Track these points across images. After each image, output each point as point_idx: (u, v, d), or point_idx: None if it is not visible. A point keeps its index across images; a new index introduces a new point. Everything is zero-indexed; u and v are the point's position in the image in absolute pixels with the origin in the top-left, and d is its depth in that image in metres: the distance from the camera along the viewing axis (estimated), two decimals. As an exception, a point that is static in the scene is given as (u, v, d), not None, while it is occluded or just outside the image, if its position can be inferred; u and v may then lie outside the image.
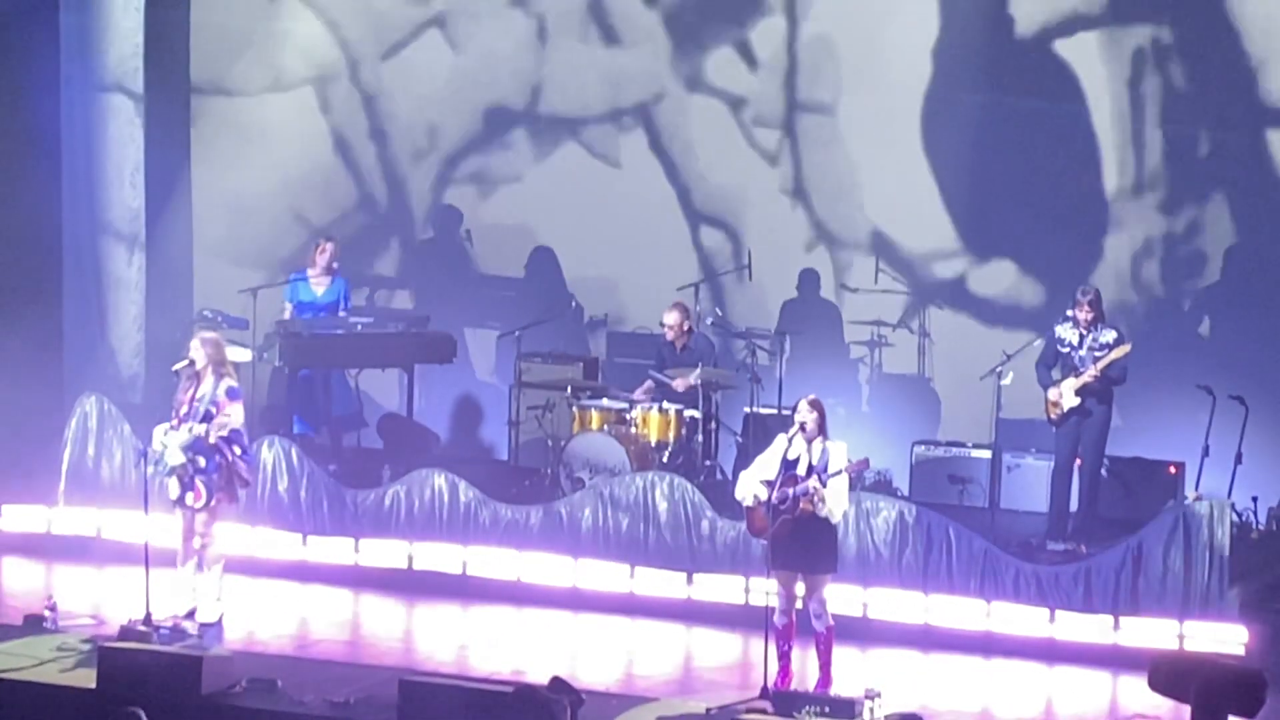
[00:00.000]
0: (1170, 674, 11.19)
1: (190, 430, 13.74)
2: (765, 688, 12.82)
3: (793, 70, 17.62)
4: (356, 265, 18.32)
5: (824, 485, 12.65)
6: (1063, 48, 16.94)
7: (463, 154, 18.47)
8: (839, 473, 12.72)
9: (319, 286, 17.11)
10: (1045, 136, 16.99)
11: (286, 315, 16.99)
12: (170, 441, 13.74)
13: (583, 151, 18.16)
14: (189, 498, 13.86)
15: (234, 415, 13.82)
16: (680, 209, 18.00)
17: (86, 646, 13.34)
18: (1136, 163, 16.88)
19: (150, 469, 13.89)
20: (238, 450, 13.84)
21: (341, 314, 17.04)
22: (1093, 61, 16.89)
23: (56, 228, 17.54)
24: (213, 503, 13.84)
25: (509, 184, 18.34)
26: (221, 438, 13.74)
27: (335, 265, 17.17)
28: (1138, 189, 16.91)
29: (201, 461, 13.76)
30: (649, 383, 16.37)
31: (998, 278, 17.24)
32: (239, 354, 16.18)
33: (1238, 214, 16.70)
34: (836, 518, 12.90)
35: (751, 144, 17.73)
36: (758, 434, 15.70)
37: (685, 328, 16.47)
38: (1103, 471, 15.74)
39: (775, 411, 16.01)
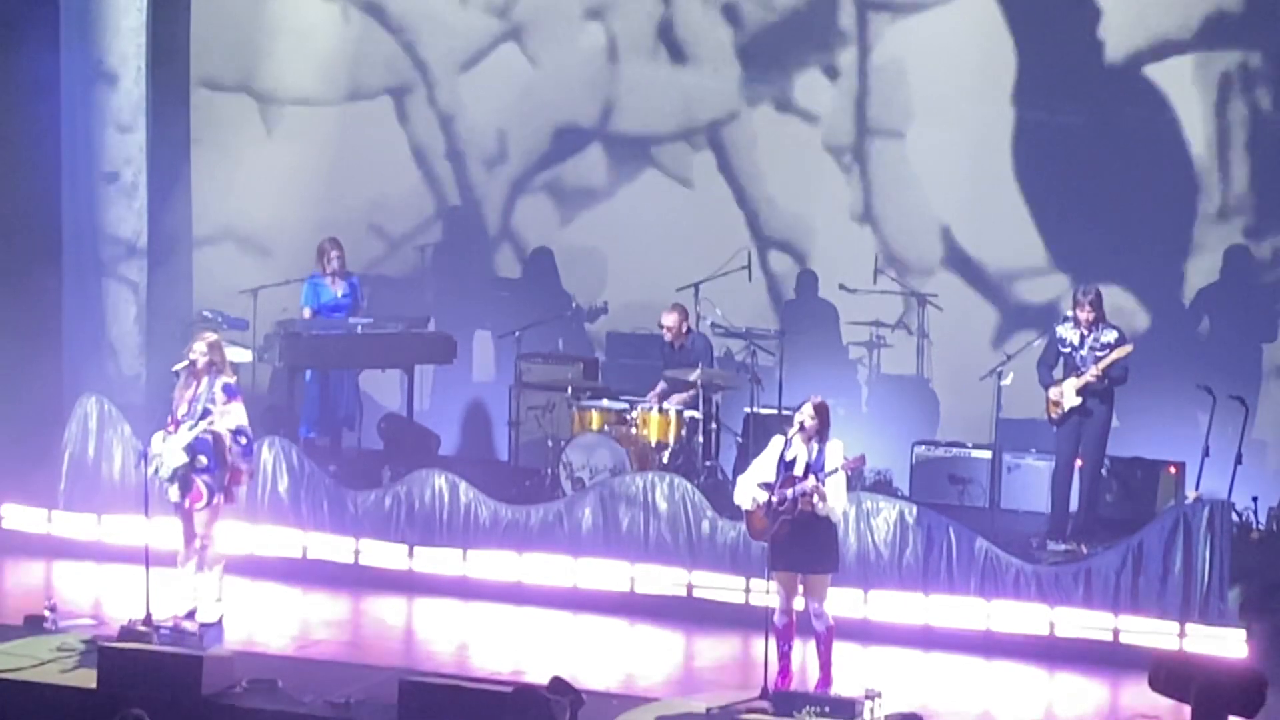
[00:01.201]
0: (1171, 674, 11.20)
1: (191, 430, 13.73)
2: (765, 688, 12.82)
3: (864, 94, 17.52)
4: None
5: (822, 484, 12.65)
6: (1152, 71, 16.87)
7: (535, 170, 18.41)
8: (836, 470, 12.72)
9: (337, 287, 17.12)
10: (1134, 159, 16.89)
11: (306, 316, 16.99)
12: (169, 445, 13.72)
13: (656, 171, 18.08)
14: (188, 499, 13.85)
15: (234, 412, 13.80)
16: (748, 231, 17.91)
17: (87, 647, 13.34)
18: (1223, 188, 16.81)
19: (150, 471, 13.88)
20: (241, 442, 13.82)
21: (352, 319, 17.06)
22: (1184, 85, 16.79)
23: (56, 229, 17.56)
24: (214, 502, 13.83)
25: (583, 203, 18.30)
26: (229, 430, 13.72)
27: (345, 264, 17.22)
28: (1223, 214, 16.85)
29: (203, 460, 13.74)
30: (661, 385, 16.41)
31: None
32: (239, 354, 16.18)
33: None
34: (836, 516, 12.91)
35: (821, 168, 17.63)
36: (758, 434, 15.69)
37: (684, 329, 16.50)
38: (1103, 472, 15.74)
39: (775, 412, 16.02)
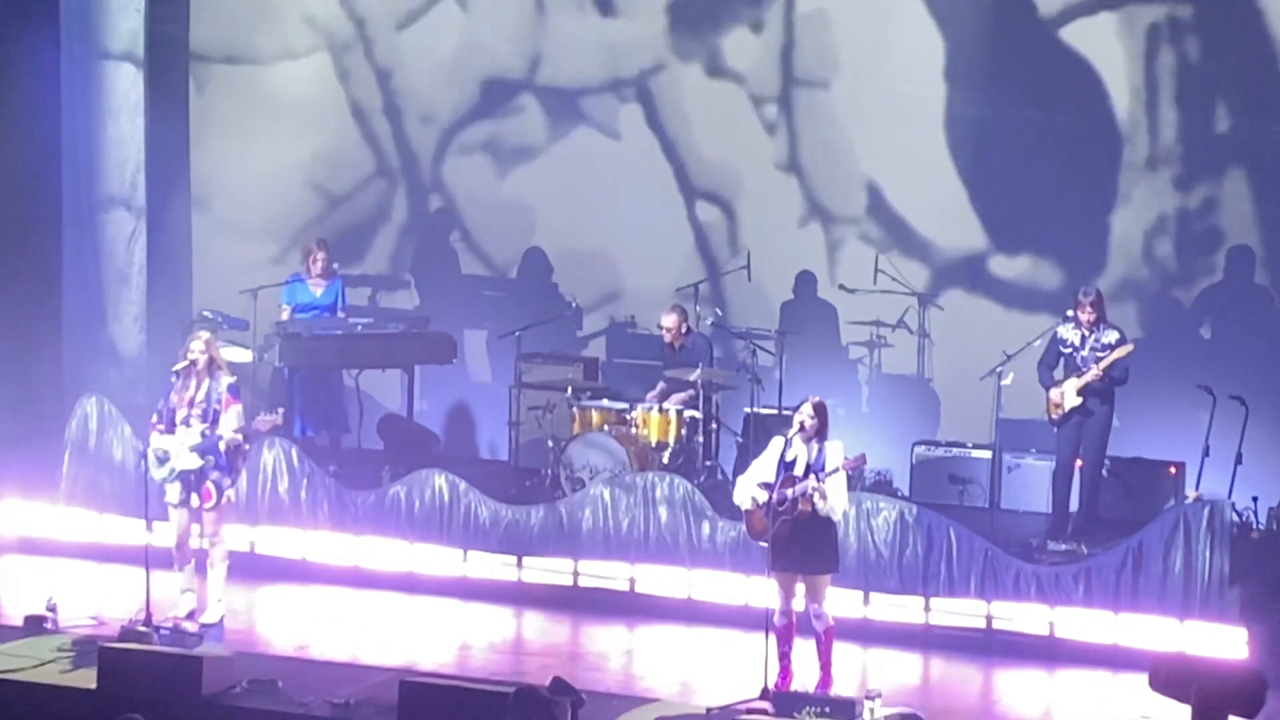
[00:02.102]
0: (1171, 674, 11.20)
1: (203, 434, 13.74)
2: (765, 688, 12.81)
3: (790, 45, 17.56)
4: (370, 239, 18.48)
5: (822, 483, 12.65)
6: (1079, 26, 16.85)
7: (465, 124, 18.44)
8: (836, 470, 12.72)
9: (317, 288, 17.13)
10: (1055, 113, 16.88)
11: (284, 317, 17.00)
12: (176, 446, 13.73)
13: (586, 126, 18.13)
14: (194, 499, 13.86)
15: (241, 413, 13.84)
16: (676, 185, 17.98)
17: (87, 647, 13.33)
18: (1150, 139, 16.79)
19: (165, 473, 13.88)
20: (247, 446, 13.86)
21: (340, 314, 17.05)
22: (1110, 38, 16.78)
23: (56, 230, 17.57)
24: (222, 502, 13.85)
25: (516, 158, 18.34)
26: (235, 432, 13.73)
27: (335, 266, 17.22)
28: (1151, 164, 16.83)
29: (211, 461, 13.77)
30: (661, 385, 16.41)
31: (1011, 259, 17.14)
32: (239, 354, 16.18)
33: (1258, 193, 16.59)
34: (837, 516, 12.91)
35: (748, 119, 17.67)
36: (758, 434, 15.70)
37: (683, 329, 16.50)
38: (1103, 472, 15.75)
39: (775, 412, 16.02)
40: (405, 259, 18.77)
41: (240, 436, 13.79)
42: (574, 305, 18.14)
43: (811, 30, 17.49)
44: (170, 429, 13.83)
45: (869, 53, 17.35)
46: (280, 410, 14.24)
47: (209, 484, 13.79)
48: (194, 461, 13.72)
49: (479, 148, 18.43)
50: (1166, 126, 16.77)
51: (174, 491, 13.87)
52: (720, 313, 17.40)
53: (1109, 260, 16.90)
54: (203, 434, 13.75)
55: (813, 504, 12.69)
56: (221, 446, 13.75)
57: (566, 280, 18.22)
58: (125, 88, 18.05)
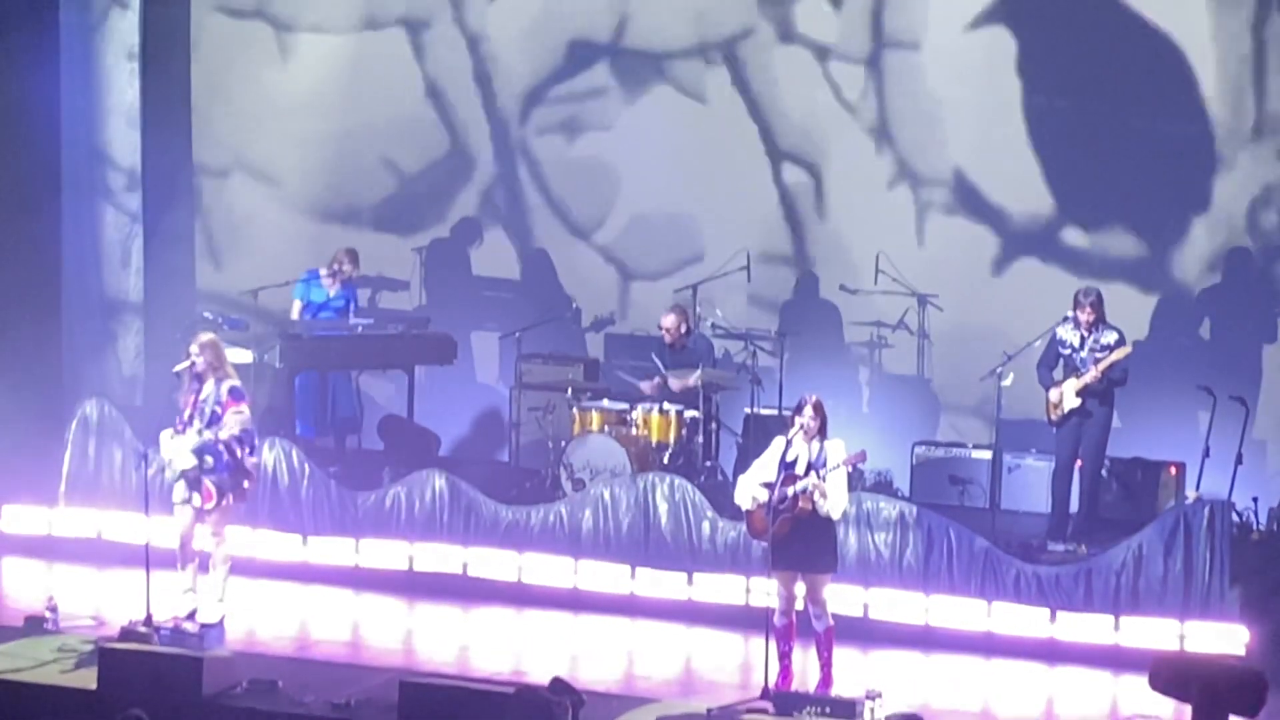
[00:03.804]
0: (1172, 674, 11.23)
1: (199, 434, 13.74)
2: (766, 688, 12.82)
3: (879, 7, 17.42)
4: (436, 208, 18.48)
5: (823, 480, 12.65)
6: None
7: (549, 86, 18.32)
8: (837, 467, 12.72)
9: (331, 288, 17.14)
10: (1149, 80, 16.79)
11: (295, 313, 17.02)
12: (177, 446, 13.75)
13: (669, 88, 17.99)
14: (195, 499, 13.86)
15: (244, 415, 13.82)
16: (762, 147, 17.81)
17: (87, 647, 13.34)
18: (1257, 108, 16.63)
19: (166, 471, 13.89)
20: (248, 448, 13.84)
21: (352, 320, 17.07)
22: (1200, 11, 16.64)
23: (56, 231, 17.56)
24: (223, 503, 13.85)
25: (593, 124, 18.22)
26: (233, 436, 13.73)
27: (355, 274, 17.25)
28: (1257, 133, 16.68)
29: (209, 462, 13.76)
30: (658, 378, 16.42)
31: (1094, 225, 16.98)
32: (240, 355, 16.18)
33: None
34: (837, 514, 12.90)
35: (833, 81, 17.53)
36: (758, 435, 15.70)
37: (683, 330, 16.49)
38: (1103, 472, 15.75)
39: (775, 412, 16.02)
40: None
41: (237, 438, 13.76)
42: (574, 306, 18.16)
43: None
44: (180, 429, 13.85)
45: (955, 17, 17.14)
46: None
47: (209, 484, 13.79)
48: (191, 461, 13.72)
49: (562, 111, 18.24)
50: (1274, 96, 16.53)
51: (178, 491, 13.88)
52: (720, 313, 17.37)
53: (1208, 230, 16.72)
54: (200, 434, 13.74)
55: (813, 502, 12.69)
56: (223, 435, 13.74)
57: (646, 244, 18.01)
58: (123, 85, 18.05)
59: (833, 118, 17.57)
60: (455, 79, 18.45)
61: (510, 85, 18.34)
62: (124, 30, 18.19)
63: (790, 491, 12.72)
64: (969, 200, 17.30)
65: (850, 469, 13.00)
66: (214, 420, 13.78)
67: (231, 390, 13.85)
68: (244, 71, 18.80)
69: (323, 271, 17.16)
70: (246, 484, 13.95)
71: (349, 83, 18.58)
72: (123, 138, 18.25)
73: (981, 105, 17.12)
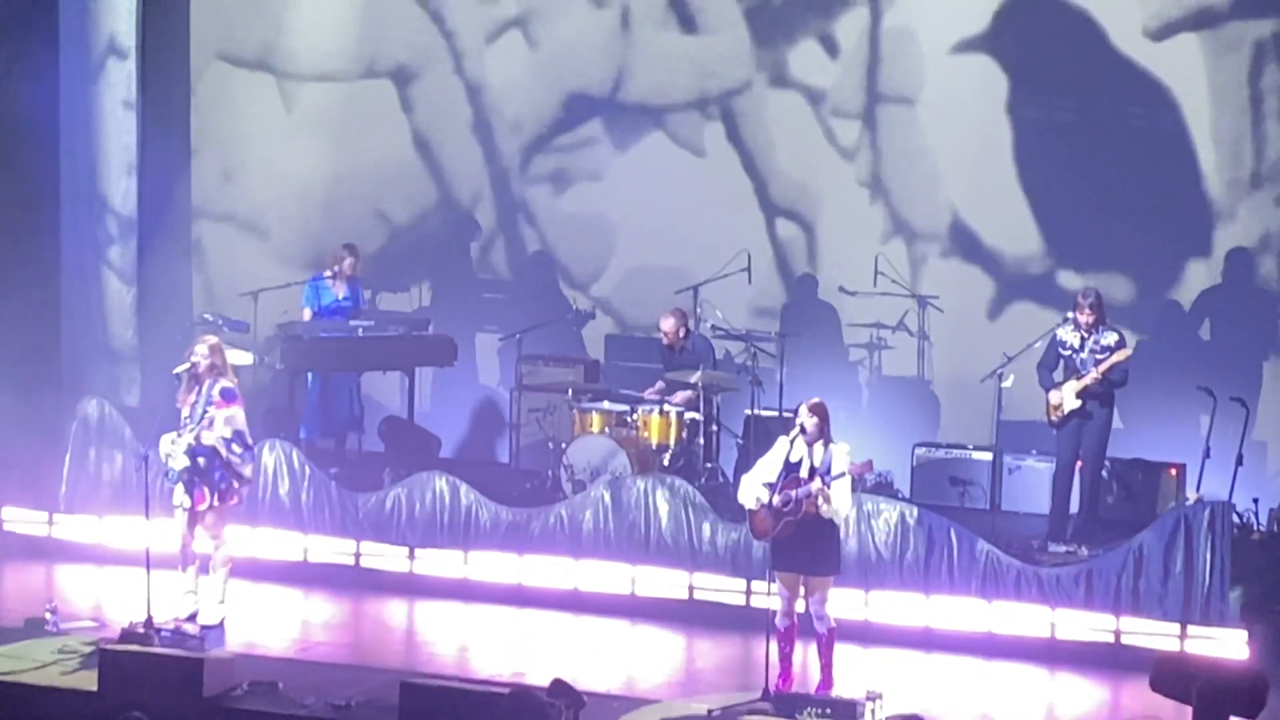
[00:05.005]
0: (1172, 676, 11.22)
1: (193, 435, 13.74)
2: (766, 689, 12.82)
3: (874, 61, 17.45)
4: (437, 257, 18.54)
5: (828, 486, 12.65)
6: (1173, 44, 16.73)
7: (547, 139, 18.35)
8: (842, 474, 12.72)
9: (339, 288, 17.14)
10: (1138, 133, 16.85)
11: (306, 318, 17.02)
12: (175, 448, 13.75)
13: (666, 139, 18.01)
14: (188, 500, 13.85)
15: (234, 416, 13.78)
16: (756, 201, 17.86)
17: (88, 649, 13.36)
18: (1255, 156, 16.64)
19: (152, 474, 13.89)
20: (237, 449, 13.79)
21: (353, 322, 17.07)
22: (1204, 56, 16.64)
23: (55, 231, 17.57)
24: (216, 504, 13.83)
25: (590, 176, 18.24)
26: (223, 438, 13.71)
27: (358, 268, 17.24)
28: (1256, 183, 16.70)
29: (202, 463, 13.75)
30: (660, 383, 16.42)
31: (1089, 271, 16.95)
32: (240, 357, 16.18)
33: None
34: (840, 519, 12.90)
35: (829, 135, 17.57)
36: (758, 436, 15.71)
37: (681, 333, 16.49)
38: (1104, 473, 15.75)
39: (776, 414, 16.02)
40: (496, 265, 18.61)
41: (227, 440, 13.72)
42: (575, 308, 18.16)
43: (895, 46, 17.35)
44: (181, 431, 13.85)
45: (949, 70, 17.18)
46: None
47: (203, 486, 13.77)
48: (184, 462, 13.70)
49: (558, 164, 18.29)
50: (1272, 145, 16.59)
51: (178, 493, 13.87)
52: (720, 314, 17.35)
53: (1205, 275, 16.79)
54: (194, 435, 13.73)
55: (817, 506, 12.69)
56: (209, 441, 13.72)
57: (642, 296, 17.96)
58: (122, 88, 18.05)
59: (829, 169, 17.59)
60: (451, 129, 18.49)
61: (509, 138, 18.38)
62: (122, 79, 18.17)
63: (794, 495, 12.72)
64: (965, 246, 17.30)
65: (855, 477, 12.99)
66: (205, 422, 13.76)
67: (223, 391, 13.80)
68: (244, 119, 18.79)
69: (326, 274, 17.17)
70: (239, 485, 13.93)
71: (343, 131, 18.58)
72: (120, 185, 18.26)
73: (977, 155, 17.12)
